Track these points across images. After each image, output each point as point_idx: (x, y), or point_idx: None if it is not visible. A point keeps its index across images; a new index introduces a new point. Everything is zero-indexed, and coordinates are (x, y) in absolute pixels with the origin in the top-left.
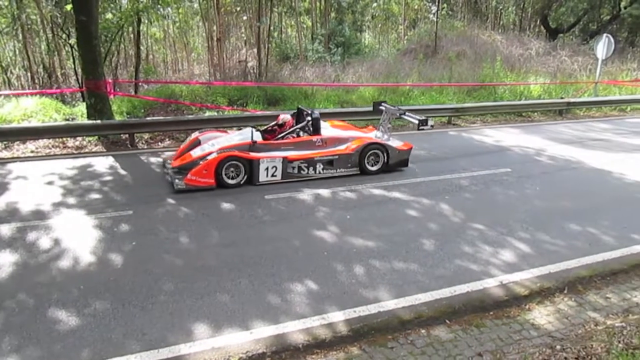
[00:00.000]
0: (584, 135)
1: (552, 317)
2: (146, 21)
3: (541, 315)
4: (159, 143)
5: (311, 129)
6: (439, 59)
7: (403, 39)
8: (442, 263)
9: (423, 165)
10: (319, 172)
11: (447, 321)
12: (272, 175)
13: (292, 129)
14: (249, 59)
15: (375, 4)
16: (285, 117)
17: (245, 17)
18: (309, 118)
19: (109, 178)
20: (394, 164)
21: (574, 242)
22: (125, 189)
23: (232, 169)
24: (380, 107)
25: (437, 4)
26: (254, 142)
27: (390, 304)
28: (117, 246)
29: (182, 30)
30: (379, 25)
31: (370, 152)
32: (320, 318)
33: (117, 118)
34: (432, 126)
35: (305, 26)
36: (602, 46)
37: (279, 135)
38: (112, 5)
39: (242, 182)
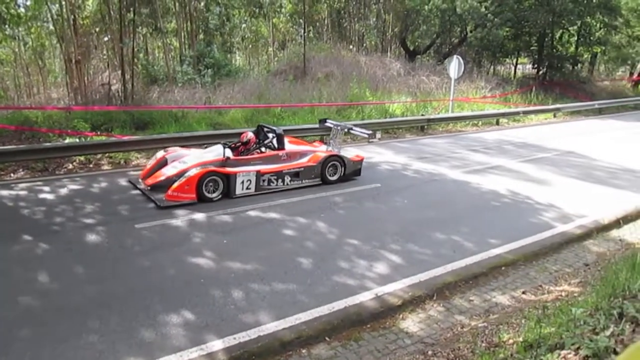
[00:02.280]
0: (443, 150)
1: (423, 324)
2: None
3: (414, 323)
4: (12, 174)
5: (276, 144)
6: (308, 79)
7: (273, 60)
8: (321, 280)
9: None
10: (287, 184)
11: (327, 338)
12: (247, 188)
13: (260, 145)
14: (113, 81)
15: (244, 26)
16: (249, 134)
17: (106, 38)
18: (272, 135)
19: None
20: (349, 173)
21: (440, 250)
22: None
23: (211, 184)
24: (327, 124)
25: (303, 26)
26: (227, 158)
27: (270, 327)
28: None
29: (36, 51)
30: (250, 47)
31: (330, 163)
32: (198, 349)
33: None
34: (379, 138)
35: (173, 47)
36: (454, 66)
37: (244, 151)
38: None
39: (220, 196)
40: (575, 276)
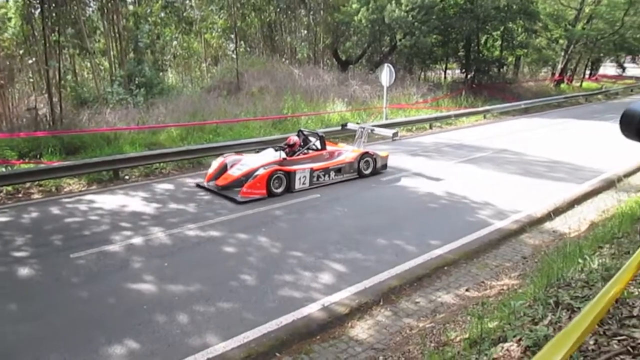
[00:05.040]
0: None
1: (372, 330)
2: None
3: (363, 330)
4: None
5: (319, 146)
6: (242, 94)
7: (207, 76)
8: (267, 296)
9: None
10: (332, 178)
11: (277, 354)
12: (303, 184)
13: (304, 146)
14: (40, 105)
15: (175, 43)
16: (294, 138)
17: (31, 61)
18: (312, 138)
19: None
20: (379, 167)
21: (383, 256)
22: None
23: (276, 181)
24: (351, 127)
25: (234, 41)
26: (284, 159)
27: (219, 348)
28: None
29: None
30: (182, 64)
31: (364, 160)
32: None
33: None
34: (400, 137)
35: (102, 68)
36: (385, 75)
37: (290, 152)
38: None
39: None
40: (514, 270)
